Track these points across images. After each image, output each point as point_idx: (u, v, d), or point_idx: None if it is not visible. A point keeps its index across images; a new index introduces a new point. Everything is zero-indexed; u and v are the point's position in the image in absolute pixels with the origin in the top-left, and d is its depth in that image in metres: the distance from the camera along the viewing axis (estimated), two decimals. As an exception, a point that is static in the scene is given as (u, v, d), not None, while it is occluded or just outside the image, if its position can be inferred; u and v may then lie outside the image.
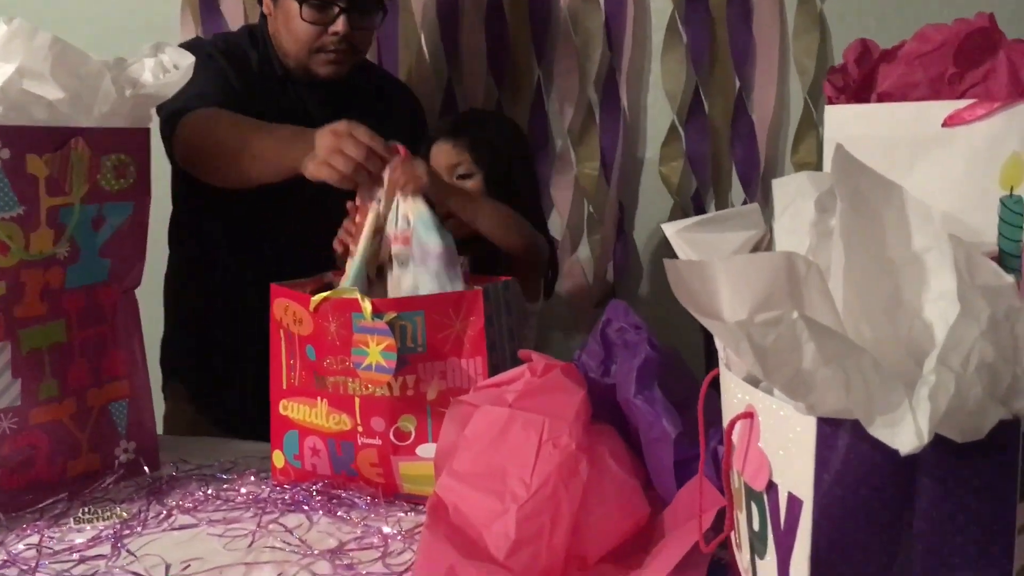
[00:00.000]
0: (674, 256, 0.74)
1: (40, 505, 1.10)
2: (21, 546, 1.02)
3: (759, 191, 1.80)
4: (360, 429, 1.11)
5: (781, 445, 0.64)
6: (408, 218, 1.16)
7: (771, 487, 0.66)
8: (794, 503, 0.63)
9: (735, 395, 0.72)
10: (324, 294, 1.11)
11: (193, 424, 1.60)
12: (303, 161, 1.21)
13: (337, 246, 1.28)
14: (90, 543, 1.01)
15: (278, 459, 1.18)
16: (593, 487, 0.87)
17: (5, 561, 0.98)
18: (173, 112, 1.39)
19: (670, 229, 0.81)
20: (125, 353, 1.22)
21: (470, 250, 1.24)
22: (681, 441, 0.90)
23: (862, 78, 0.96)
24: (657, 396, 0.92)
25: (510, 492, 0.85)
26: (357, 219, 1.21)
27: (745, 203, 1.80)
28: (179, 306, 1.69)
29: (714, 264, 0.61)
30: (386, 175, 1.18)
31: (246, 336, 1.39)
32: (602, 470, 0.88)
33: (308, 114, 1.53)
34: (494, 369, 1.08)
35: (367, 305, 1.07)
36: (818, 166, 1.73)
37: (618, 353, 0.99)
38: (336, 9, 1.46)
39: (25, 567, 0.96)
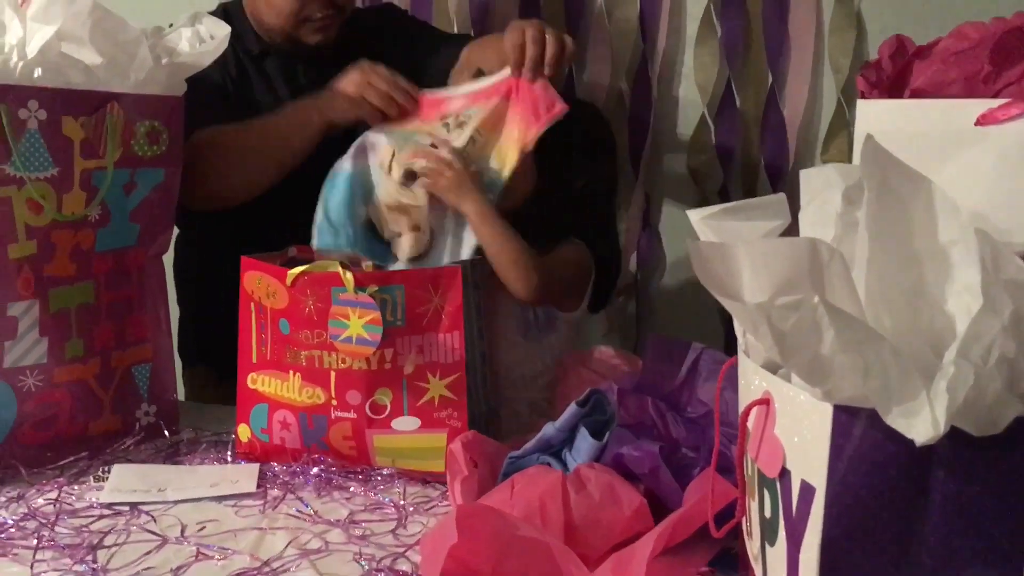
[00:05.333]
0: (699, 246, 0.74)
1: (61, 463, 1.11)
2: (41, 500, 1.03)
3: (786, 188, 1.79)
4: (334, 403, 1.11)
5: (796, 432, 0.64)
6: None
7: (784, 474, 0.66)
8: (807, 490, 0.63)
9: (752, 381, 0.71)
10: (302, 267, 1.10)
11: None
12: (328, 113, 1.26)
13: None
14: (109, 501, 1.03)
15: (243, 432, 1.17)
16: (581, 496, 0.90)
17: (25, 515, 0.99)
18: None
19: (695, 216, 0.81)
20: (150, 317, 1.24)
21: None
22: (667, 450, 0.93)
23: (896, 74, 0.96)
24: (627, 437, 0.97)
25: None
26: None
27: (772, 199, 1.79)
28: (191, 291, 1.59)
29: (737, 246, 0.61)
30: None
31: None
32: (580, 486, 0.91)
33: (293, 82, 1.44)
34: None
35: (349, 278, 1.08)
36: (848, 165, 1.71)
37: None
38: None
39: (44, 521, 0.97)
